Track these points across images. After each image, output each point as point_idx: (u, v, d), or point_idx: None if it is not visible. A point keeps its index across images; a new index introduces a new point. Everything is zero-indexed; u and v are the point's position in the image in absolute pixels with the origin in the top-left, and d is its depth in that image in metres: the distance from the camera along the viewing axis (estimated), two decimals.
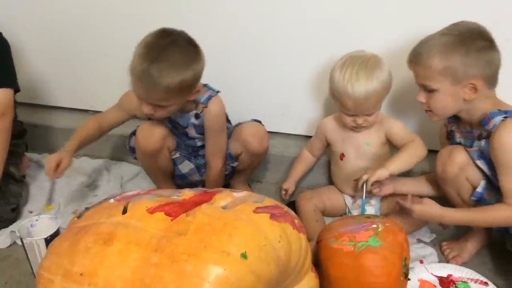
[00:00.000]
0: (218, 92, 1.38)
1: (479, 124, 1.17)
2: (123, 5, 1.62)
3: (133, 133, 1.47)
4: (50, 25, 1.73)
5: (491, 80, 1.14)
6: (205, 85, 1.37)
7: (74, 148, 1.41)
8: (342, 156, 1.43)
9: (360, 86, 1.27)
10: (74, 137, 1.42)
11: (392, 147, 1.43)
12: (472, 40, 1.11)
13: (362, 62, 1.29)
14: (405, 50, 1.23)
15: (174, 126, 1.42)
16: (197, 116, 1.37)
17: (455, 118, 1.27)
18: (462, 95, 1.14)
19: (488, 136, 1.14)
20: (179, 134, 1.44)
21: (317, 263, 1.16)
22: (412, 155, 1.33)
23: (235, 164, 1.50)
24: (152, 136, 1.38)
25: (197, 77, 1.25)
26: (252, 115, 1.69)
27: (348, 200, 1.48)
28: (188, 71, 1.21)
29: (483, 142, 1.16)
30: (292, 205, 1.50)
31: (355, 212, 1.44)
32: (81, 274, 0.84)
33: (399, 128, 1.39)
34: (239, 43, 1.58)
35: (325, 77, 1.55)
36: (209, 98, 1.35)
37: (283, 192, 1.51)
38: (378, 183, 1.32)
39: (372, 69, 1.28)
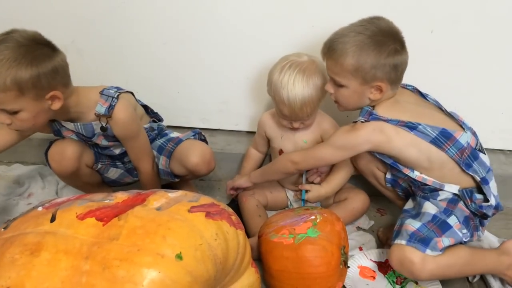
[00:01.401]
0: (118, 94, 1.24)
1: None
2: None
3: (49, 148, 1.35)
4: None
5: (395, 82, 1.18)
6: (101, 92, 1.24)
7: None
8: (280, 151, 1.44)
9: (296, 95, 1.27)
10: None
11: None
12: (384, 43, 1.12)
13: (300, 70, 1.28)
14: None
15: (81, 139, 1.31)
16: (103, 129, 1.25)
17: None
18: (368, 94, 1.18)
19: None
20: (91, 146, 1.35)
21: (259, 258, 1.18)
22: (347, 173, 1.39)
23: (175, 180, 1.44)
24: (64, 159, 1.28)
25: (40, 78, 1.08)
26: (192, 113, 1.68)
27: (290, 194, 1.50)
28: (19, 69, 1.05)
29: None
30: (234, 201, 1.50)
31: (297, 205, 1.46)
32: None
33: (332, 131, 1.38)
34: (175, 41, 1.55)
35: (264, 73, 1.57)
36: (111, 107, 1.22)
37: (231, 192, 1.48)
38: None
39: (309, 77, 1.28)
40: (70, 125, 1.26)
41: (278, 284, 1.14)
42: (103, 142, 1.31)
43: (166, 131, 1.48)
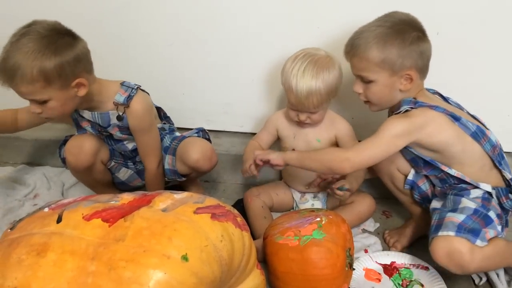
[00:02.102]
0: (138, 87, 1.30)
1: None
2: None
3: (63, 143, 1.40)
4: None
5: (424, 71, 1.18)
6: (122, 84, 1.29)
7: None
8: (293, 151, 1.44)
9: (304, 84, 1.27)
10: None
11: None
12: (406, 30, 1.13)
13: (312, 60, 1.29)
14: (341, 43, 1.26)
15: (96, 129, 1.34)
16: (119, 118, 1.29)
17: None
18: (398, 85, 1.17)
19: None
20: (105, 138, 1.38)
21: (264, 260, 1.17)
22: (361, 175, 1.37)
23: (182, 179, 1.45)
24: (81, 153, 1.31)
25: (64, 66, 1.12)
26: (197, 114, 1.68)
27: (296, 195, 1.49)
28: (46, 59, 1.09)
29: None
30: (239, 202, 1.50)
31: (302, 207, 1.46)
32: None
33: (347, 134, 1.40)
34: (181, 42, 1.56)
35: (268, 75, 1.57)
36: (129, 97, 1.27)
37: (259, 162, 1.33)
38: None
39: (320, 69, 1.28)
40: (87, 114, 1.29)
41: (284, 286, 1.13)
42: (117, 133, 1.33)
43: (175, 132, 1.49)
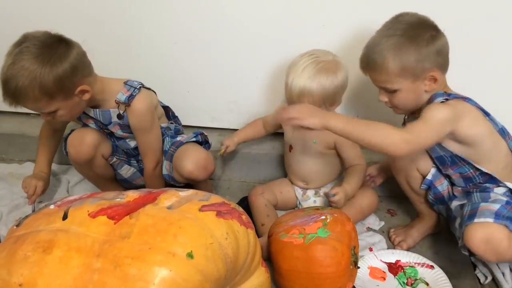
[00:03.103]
0: (140, 86, 1.30)
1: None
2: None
3: (68, 137, 1.41)
4: None
5: (445, 66, 1.17)
6: (125, 82, 1.30)
7: (47, 170, 1.44)
8: (290, 147, 1.44)
9: (299, 82, 1.26)
10: (39, 161, 1.44)
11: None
12: (418, 34, 1.11)
13: (315, 61, 1.28)
14: (351, 45, 1.25)
15: (99, 126, 1.36)
16: (119, 117, 1.30)
17: None
18: (423, 87, 1.15)
19: None
20: (108, 135, 1.39)
21: (269, 258, 1.17)
22: (362, 173, 1.38)
23: (181, 185, 1.44)
24: (82, 145, 1.32)
25: (61, 82, 1.14)
26: (202, 112, 1.68)
27: (298, 192, 1.49)
28: (45, 78, 1.11)
29: None
30: (244, 200, 1.50)
31: (305, 204, 1.46)
32: (20, 285, 0.81)
33: (346, 141, 1.36)
34: (186, 41, 1.56)
35: (273, 73, 1.57)
36: (131, 96, 1.28)
37: (224, 147, 1.49)
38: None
39: (319, 71, 1.26)
40: (90, 111, 1.31)
41: (288, 284, 1.13)
42: (118, 131, 1.34)
43: (179, 134, 1.47)
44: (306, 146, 1.40)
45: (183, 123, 1.58)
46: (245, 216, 0.97)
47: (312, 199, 1.46)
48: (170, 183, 1.43)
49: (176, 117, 1.52)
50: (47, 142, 1.44)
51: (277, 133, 1.58)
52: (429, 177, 1.26)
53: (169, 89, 1.62)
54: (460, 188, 1.23)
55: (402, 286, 1.20)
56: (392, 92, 1.17)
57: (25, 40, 1.14)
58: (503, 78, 1.45)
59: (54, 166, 1.69)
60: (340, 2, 1.42)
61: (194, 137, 1.44)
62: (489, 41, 1.39)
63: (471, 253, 1.11)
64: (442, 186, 1.27)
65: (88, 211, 0.89)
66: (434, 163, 1.25)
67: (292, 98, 1.28)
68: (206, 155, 1.38)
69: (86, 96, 1.21)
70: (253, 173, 1.66)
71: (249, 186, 1.60)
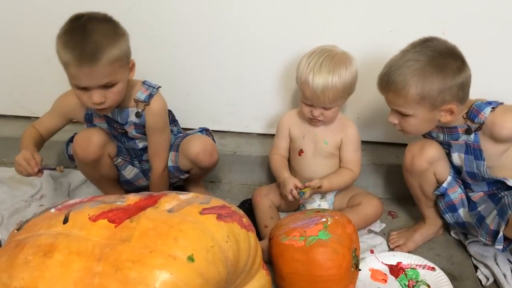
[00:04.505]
0: (158, 87, 1.34)
1: (465, 119, 1.17)
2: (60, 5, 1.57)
3: (70, 140, 1.41)
4: None
5: (464, 99, 1.13)
6: (143, 82, 1.33)
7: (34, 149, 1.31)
8: (300, 152, 1.44)
9: (320, 78, 1.27)
10: (26, 145, 1.32)
11: None
12: (446, 64, 1.08)
13: (329, 56, 1.30)
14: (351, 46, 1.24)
15: (112, 126, 1.37)
16: (138, 115, 1.32)
17: None
18: (438, 117, 1.14)
19: (479, 128, 1.14)
20: (118, 135, 1.39)
21: (270, 260, 1.17)
22: (342, 183, 1.40)
23: (185, 176, 1.46)
24: (90, 144, 1.32)
25: (129, 48, 1.21)
26: (202, 115, 1.69)
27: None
28: (119, 40, 1.17)
29: (472, 136, 1.16)
30: (245, 203, 1.49)
31: (309, 207, 1.46)
32: None
33: (352, 141, 1.40)
34: (186, 43, 1.56)
35: (274, 75, 1.57)
36: (150, 95, 1.31)
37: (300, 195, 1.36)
38: None
39: (337, 64, 1.28)
40: None
41: (289, 287, 1.13)
42: (132, 131, 1.35)
43: (180, 135, 1.49)
44: (318, 147, 1.41)
45: (183, 126, 1.59)
46: (245, 219, 0.97)
47: (317, 203, 1.45)
48: (174, 175, 1.44)
49: (176, 120, 1.53)
50: (35, 139, 1.36)
51: None
52: (445, 184, 1.25)
53: (170, 91, 1.61)
54: (482, 192, 1.23)
55: None
56: (405, 116, 1.15)
57: (82, 15, 1.16)
58: (504, 78, 1.45)
59: None
60: (339, 4, 1.42)
61: (199, 131, 1.48)
62: (489, 42, 1.40)
63: (505, 248, 1.11)
64: (455, 194, 1.27)
65: (88, 214, 0.89)
66: (453, 169, 1.25)
67: (317, 94, 1.29)
68: (212, 143, 1.42)
69: (132, 74, 1.25)
70: (254, 176, 1.66)
71: (250, 189, 1.60)
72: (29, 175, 1.26)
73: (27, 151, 1.27)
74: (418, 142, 1.26)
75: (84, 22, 1.14)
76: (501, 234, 1.10)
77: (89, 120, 1.37)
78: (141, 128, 1.35)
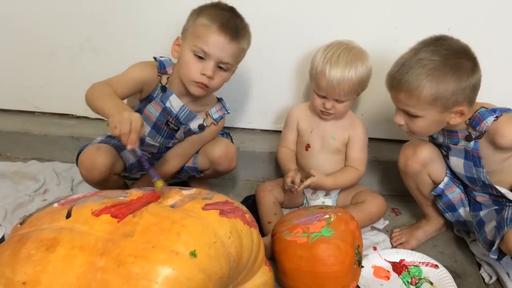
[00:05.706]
0: (228, 113, 1.39)
1: (467, 125, 1.15)
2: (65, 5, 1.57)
3: (80, 152, 1.33)
4: None
5: (473, 101, 1.11)
6: (219, 100, 1.39)
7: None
8: (307, 146, 1.43)
9: (338, 69, 1.27)
10: (115, 99, 1.14)
11: None
12: (460, 65, 1.05)
13: (347, 49, 1.30)
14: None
15: (165, 118, 1.33)
16: (201, 127, 1.36)
17: None
18: (448, 119, 1.12)
19: (480, 136, 1.12)
20: (162, 127, 1.35)
21: (273, 257, 1.17)
22: (347, 181, 1.40)
23: (200, 175, 1.45)
24: (94, 169, 1.25)
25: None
26: None
27: (308, 190, 1.48)
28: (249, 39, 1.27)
29: (472, 143, 1.14)
30: (248, 199, 1.49)
31: (313, 203, 1.45)
32: (23, 283, 0.81)
33: (359, 140, 1.40)
34: None
35: (276, 71, 1.57)
36: (221, 117, 1.38)
37: (293, 185, 1.34)
38: None
39: (354, 58, 1.29)
40: (176, 102, 1.31)
41: (292, 283, 1.13)
42: (179, 133, 1.37)
43: None
44: (325, 143, 1.41)
45: None
46: (248, 215, 0.96)
47: (321, 200, 1.45)
48: (189, 173, 1.44)
49: None
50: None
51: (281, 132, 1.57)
52: (441, 186, 1.25)
53: None
54: (487, 196, 1.22)
55: (406, 285, 1.20)
56: (412, 116, 1.12)
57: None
58: (504, 78, 1.44)
59: (58, 164, 1.70)
60: (344, 0, 1.41)
61: (221, 134, 1.47)
62: (494, 41, 1.39)
63: (500, 257, 1.10)
64: (453, 194, 1.26)
65: (91, 209, 0.89)
66: (450, 172, 1.24)
67: (332, 85, 1.29)
68: (235, 150, 1.42)
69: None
70: (257, 172, 1.66)
71: (253, 185, 1.60)
72: (119, 139, 1.02)
73: (125, 111, 1.03)
74: (412, 143, 1.26)
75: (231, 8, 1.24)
76: (495, 246, 1.09)
77: (149, 100, 1.31)
78: (191, 134, 1.37)
